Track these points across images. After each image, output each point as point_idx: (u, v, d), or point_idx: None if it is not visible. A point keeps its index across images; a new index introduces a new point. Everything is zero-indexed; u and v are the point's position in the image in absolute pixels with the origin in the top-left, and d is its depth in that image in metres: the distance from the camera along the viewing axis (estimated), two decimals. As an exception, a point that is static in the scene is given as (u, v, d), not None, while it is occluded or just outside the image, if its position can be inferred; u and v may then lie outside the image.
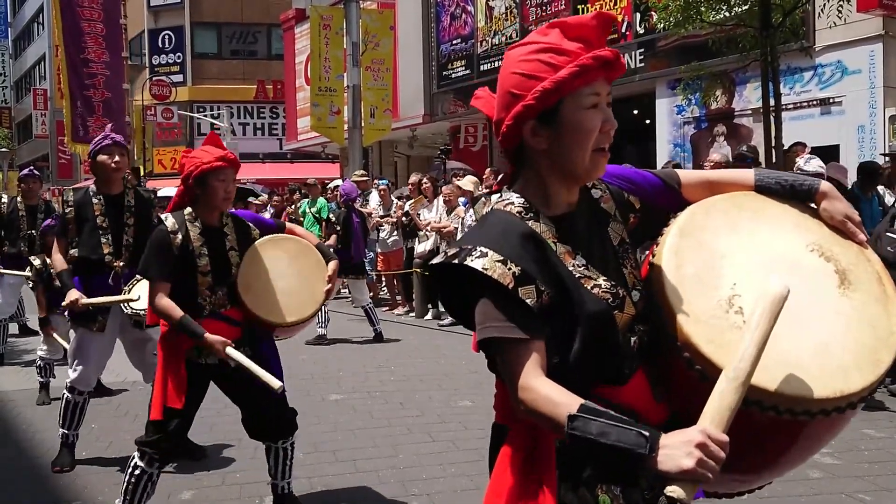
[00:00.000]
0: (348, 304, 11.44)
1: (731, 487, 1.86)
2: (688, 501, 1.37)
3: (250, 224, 3.92)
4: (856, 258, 1.76)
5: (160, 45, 35.49)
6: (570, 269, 1.65)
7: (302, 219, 13.72)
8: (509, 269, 1.57)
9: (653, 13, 11.59)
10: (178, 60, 35.10)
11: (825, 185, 1.85)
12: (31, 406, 6.39)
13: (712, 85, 9.97)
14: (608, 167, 1.75)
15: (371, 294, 12.93)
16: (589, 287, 1.65)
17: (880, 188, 8.30)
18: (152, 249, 3.63)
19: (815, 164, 5.84)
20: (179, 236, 3.62)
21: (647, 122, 14.81)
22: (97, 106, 14.38)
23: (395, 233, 11.92)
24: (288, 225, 4.26)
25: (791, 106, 11.58)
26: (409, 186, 12.32)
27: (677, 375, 1.67)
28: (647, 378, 1.72)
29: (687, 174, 1.93)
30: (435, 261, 1.67)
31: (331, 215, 10.15)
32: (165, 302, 3.55)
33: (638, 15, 14.37)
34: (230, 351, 3.55)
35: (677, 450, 1.38)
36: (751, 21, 8.17)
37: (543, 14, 16.54)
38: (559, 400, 1.50)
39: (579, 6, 15.55)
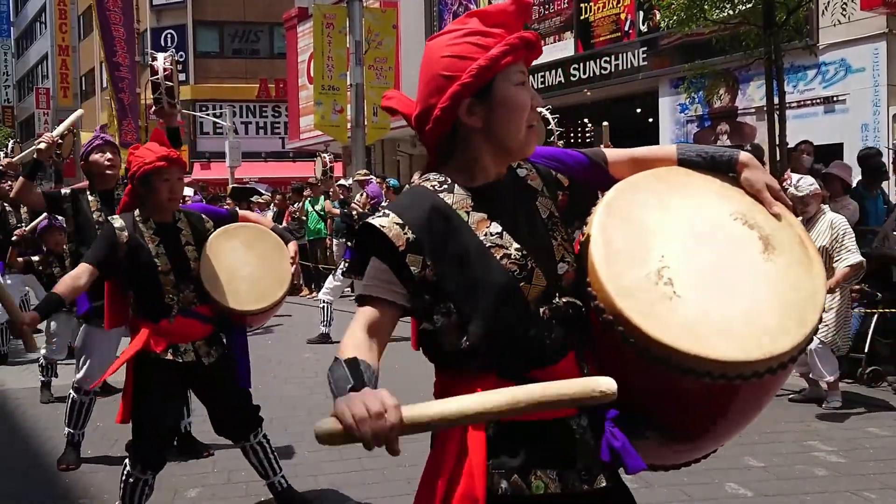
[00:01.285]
0: (349, 303, 11.45)
1: (674, 458, 1.89)
2: (327, 441, 1.40)
3: (203, 216, 3.92)
4: (778, 224, 1.80)
5: (163, 44, 35.46)
6: (482, 237, 1.70)
7: (305, 217, 13.74)
8: (405, 233, 1.65)
9: (656, 11, 11.59)
10: (181, 59, 35.09)
11: (744, 156, 1.90)
12: (36, 404, 6.40)
13: (715, 83, 9.96)
14: (536, 148, 1.81)
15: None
16: (498, 256, 1.69)
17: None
18: (96, 239, 3.68)
19: (806, 185, 5.84)
20: (125, 234, 3.60)
21: (650, 120, 14.80)
22: (127, 109, 14.48)
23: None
24: (241, 212, 4.28)
25: (795, 104, 11.57)
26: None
27: (611, 351, 1.69)
28: (577, 360, 1.74)
29: (613, 152, 1.96)
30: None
31: (355, 209, 10.12)
32: (75, 276, 3.48)
33: (641, 13, 14.36)
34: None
35: (353, 399, 1.38)
36: (754, 19, 8.16)
37: (546, 12, 16.53)
38: (345, 344, 1.57)
39: (582, 4, 15.55)
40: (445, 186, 1.74)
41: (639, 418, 1.70)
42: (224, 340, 3.91)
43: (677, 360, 1.58)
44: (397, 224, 1.65)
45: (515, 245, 1.70)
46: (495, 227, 1.71)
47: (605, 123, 7.50)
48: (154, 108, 4.81)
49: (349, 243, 9.85)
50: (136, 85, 15.48)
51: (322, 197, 13.04)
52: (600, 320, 1.66)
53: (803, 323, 1.66)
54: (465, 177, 1.75)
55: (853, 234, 5.78)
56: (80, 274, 3.49)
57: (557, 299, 1.72)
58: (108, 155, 4.80)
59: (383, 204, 1.79)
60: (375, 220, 1.68)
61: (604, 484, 1.70)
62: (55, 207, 4.89)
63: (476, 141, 1.73)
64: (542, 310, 1.70)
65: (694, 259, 1.71)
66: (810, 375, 5.90)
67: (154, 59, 4.86)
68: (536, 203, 1.80)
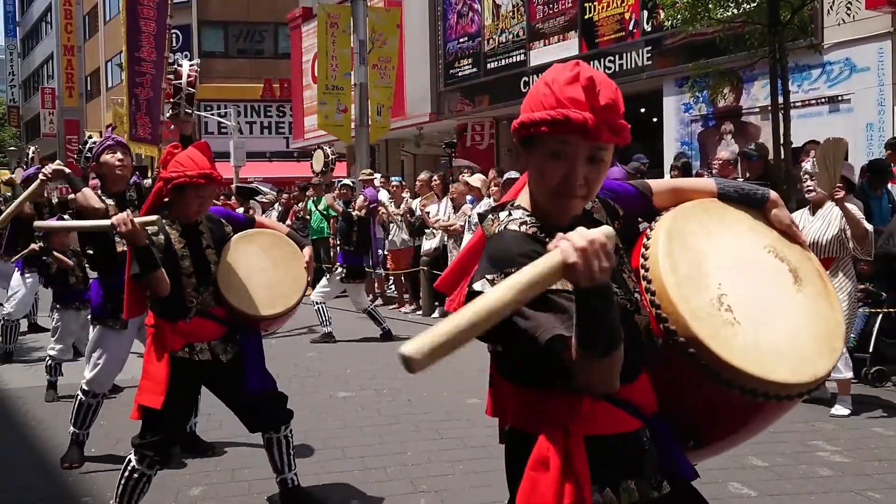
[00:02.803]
0: (348, 302, 11.46)
1: (702, 458, 2.05)
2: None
3: (223, 220, 3.94)
4: (801, 258, 2.00)
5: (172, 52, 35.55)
6: None
7: (309, 217, 13.75)
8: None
9: (660, 10, 11.57)
10: (197, 59, 35.15)
11: (773, 195, 2.07)
12: (41, 403, 6.42)
13: (720, 83, 9.92)
14: None
15: (378, 291, 12.99)
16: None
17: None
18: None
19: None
20: (161, 237, 3.62)
21: (655, 120, 14.77)
22: (143, 104, 14.45)
23: (404, 232, 11.95)
24: (258, 219, 4.29)
25: (799, 103, 11.52)
26: (418, 183, 12.32)
27: (676, 371, 1.79)
28: (648, 375, 1.83)
29: (657, 183, 2.09)
30: (479, 289, 1.66)
31: (354, 211, 10.15)
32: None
33: (645, 12, 14.33)
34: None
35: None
36: (759, 18, 8.14)
37: (551, 12, 16.51)
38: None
39: (586, 4, 15.53)
40: (543, 233, 1.73)
41: (683, 431, 1.87)
42: (239, 341, 3.91)
43: (741, 381, 1.72)
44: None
45: (615, 283, 1.74)
46: None
47: None
48: (170, 112, 4.81)
49: (345, 247, 9.83)
50: (163, 80, 15.54)
51: (322, 197, 13.06)
52: (670, 342, 1.76)
53: (834, 350, 1.85)
54: (546, 210, 1.77)
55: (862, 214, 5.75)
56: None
57: (636, 321, 1.81)
58: (119, 155, 4.78)
59: (480, 265, 1.75)
60: (478, 287, 1.67)
61: (668, 489, 1.82)
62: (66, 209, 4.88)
63: (531, 176, 1.80)
64: (643, 335, 1.80)
65: (742, 287, 1.85)
66: None
67: (180, 64, 4.88)
68: None
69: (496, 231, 1.78)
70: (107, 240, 4.68)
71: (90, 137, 5.84)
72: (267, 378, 3.95)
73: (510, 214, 1.80)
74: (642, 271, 1.86)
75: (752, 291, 1.86)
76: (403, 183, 14.05)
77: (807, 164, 6.18)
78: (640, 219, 2.01)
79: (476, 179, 10.81)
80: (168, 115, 4.85)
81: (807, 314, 1.88)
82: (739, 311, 1.79)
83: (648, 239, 1.90)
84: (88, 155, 5.01)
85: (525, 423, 1.79)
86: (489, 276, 1.66)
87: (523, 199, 1.83)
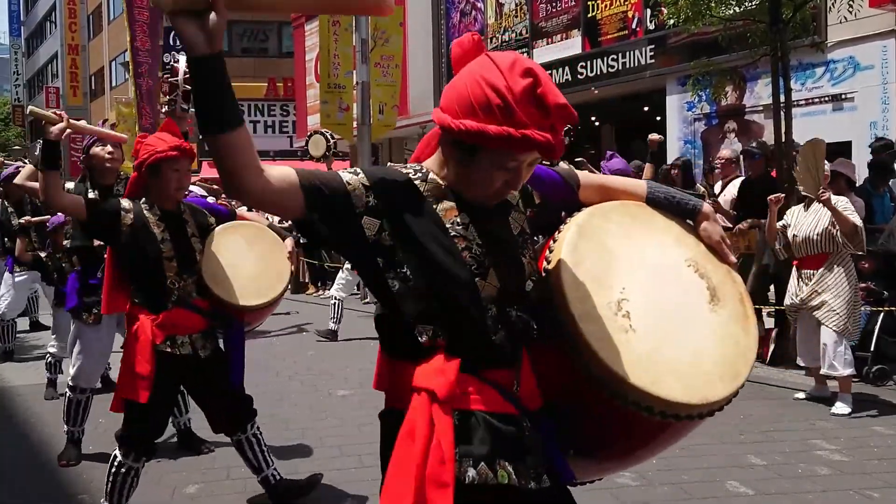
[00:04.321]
0: (357, 301, 11.45)
1: (592, 475, 1.97)
2: None
3: (205, 211, 3.96)
4: (724, 277, 1.92)
5: (171, 43, 35.55)
6: (448, 225, 1.72)
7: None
8: (367, 197, 1.67)
9: (663, 9, 11.53)
10: (190, 58, 35.19)
11: (706, 207, 2.01)
12: (40, 401, 6.42)
13: (722, 81, 9.89)
14: None
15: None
16: (460, 247, 1.70)
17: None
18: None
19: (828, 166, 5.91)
20: (130, 216, 3.62)
21: (658, 118, 14.74)
22: (144, 94, 14.44)
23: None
24: (238, 211, 4.29)
25: (803, 102, 11.49)
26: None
27: (562, 368, 1.76)
28: (531, 370, 1.80)
29: (586, 177, 2.02)
30: None
31: None
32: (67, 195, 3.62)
33: (648, 11, 14.31)
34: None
35: None
36: (761, 16, 8.10)
37: (554, 10, 16.49)
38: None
39: (590, 2, 15.50)
40: (420, 175, 1.76)
41: (566, 436, 1.82)
42: (219, 335, 3.92)
43: (625, 391, 1.68)
44: (363, 185, 1.68)
45: (478, 241, 1.73)
46: (464, 218, 1.73)
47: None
48: (166, 108, 4.81)
49: None
50: (159, 69, 15.50)
51: None
52: (559, 336, 1.72)
53: (737, 376, 1.78)
54: (451, 181, 1.76)
55: (855, 212, 5.74)
56: (75, 199, 3.61)
57: (512, 310, 1.75)
58: (109, 148, 4.81)
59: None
60: (344, 175, 1.69)
61: (547, 484, 1.75)
62: None
63: (452, 164, 1.75)
64: (492, 310, 1.73)
65: (650, 296, 1.80)
66: (822, 371, 5.82)
67: (177, 60, 4.86)
68: (510, 217, 1.83)
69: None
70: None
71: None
72: (242, 375, 3.95)
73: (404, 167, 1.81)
74: (545, 263, 1.81)
75: (661, 303, 1.80)
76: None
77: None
78: (563, 212, 1.96)
79: None
80: (164, 111, 4.84)
81: (716, 335, 1.81)
82: (639, 319, 1.74)
83: (559, 232, 1.86)
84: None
85: (398, 399, 1.75)
86: (352, 169, 1.74)
87: (429, 163, 1.80)
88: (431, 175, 1.77)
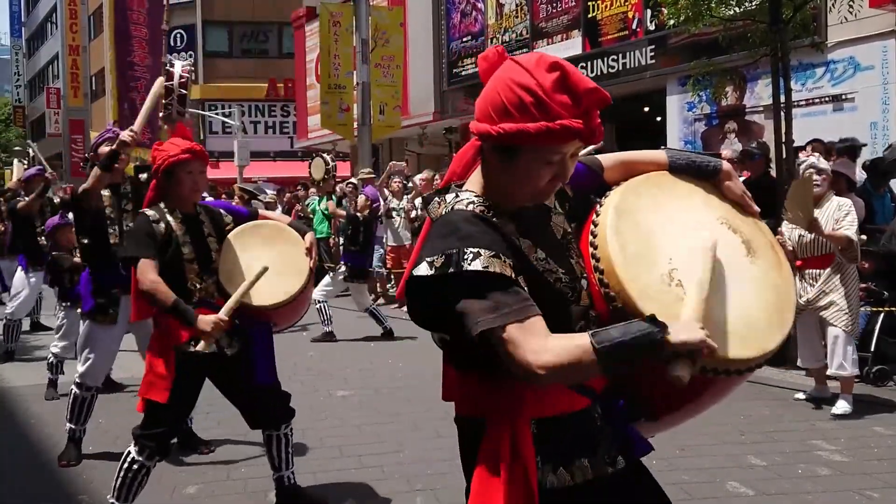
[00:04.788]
0: (350, 301, 11.44)
1: (655, 432, 2.01)
2: (686, 381, 1.56)
3: (222, 211, 3.98)
4: (753, 229, 1.98)
5: (172, 44, 35.56)
6: (534, 263, 1.73)
7: (312, 216, 13.76)
8: (504, 261, 1.62)
9: (663, 9, 11.53)
10: (190, 59, 35.19)
11: (726, 165, 2.04)
12: (40, 401, 6.42)
13: (722, 81, 9.89)
14: None
15: (380, 290, 12.98)
16: (551, 281, 1.73)
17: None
18: (133, 233, 3.70)
19: (825, 163, 5.84)
20: (162, 225, 3.66)
21: (658, 119, 14.73)
22: (138, 108, 14.53)
23: (407, 229, 11.96)
24: (261, 212, 4.28)
25: (803, 102, 11.48)
26: (421, 182, 12.30)
27: None
28: None
29: (606, 158, 2.04)
30: (420, 273, 1.65)
31: (348, 207, 10.21)
32: (155, 278, 3.52)
33: (649, 11, 14.30)
34: (222, 315, 3.56)
35: (685, 326, 1.57)
36: (761, 17, 8.10)
37: (554, 11, 16.49)
38: (572, 340, 1.57)
39: (590, 2, 15.50)
40: (492, 213, 1.73)
41: (636, 406, 1.85)
42: (246, 335, 3.90)
43: None
44: (493, 258, 1.61)
45: (561, 270, 1.76)
46: (541, 254, 1.75)
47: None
48: (163, 112, 4.81)
49: (351, 248, 9.85)
50: None
51: (325, 197, 13.03)
52: (621, 318, 1.71)
53: (784, 323, 1.84)
54: (499, 197, 1.75)
55: (854, 216, 5.75)
56: (148, 272, 3.54)
57: (592, 312, 1.80)
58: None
59: (424, 243, 1.70)
60: (474, 266, 1.60)
61: (623, 464, 1.81)
62: (71, 205, 4.90)
63: (496, 172, 1.75)
64: (580, 325, 1.77)
65: (692, 260, 1.80)
66: (830, 371, 5.81)
67: (172, 64, 4.87)
68: (551, 223, 1.85)
69: (442, 213, 1.74)
70: (101, 231, 4.70)
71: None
72: (274, 373, 3.96)
73: (457, 196, 1.76)
74: (591, 249, 1.83)
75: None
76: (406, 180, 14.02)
77: (811, 158, 6.18)
78: (592, 196, 1.97)
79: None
80: (161, 115, 4.84)
81: (759, 286, 1.86)
82: (690, 284, 1.76)
83: (597, 216, 1.87)
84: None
85: (472, 409, 1.80)
86: (429, 259, 1.63)
87: (473, 184, 1.79)
88: (498, 210, 1.74)
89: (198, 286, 3.70)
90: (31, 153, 11.39)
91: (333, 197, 12.39)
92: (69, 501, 4.33)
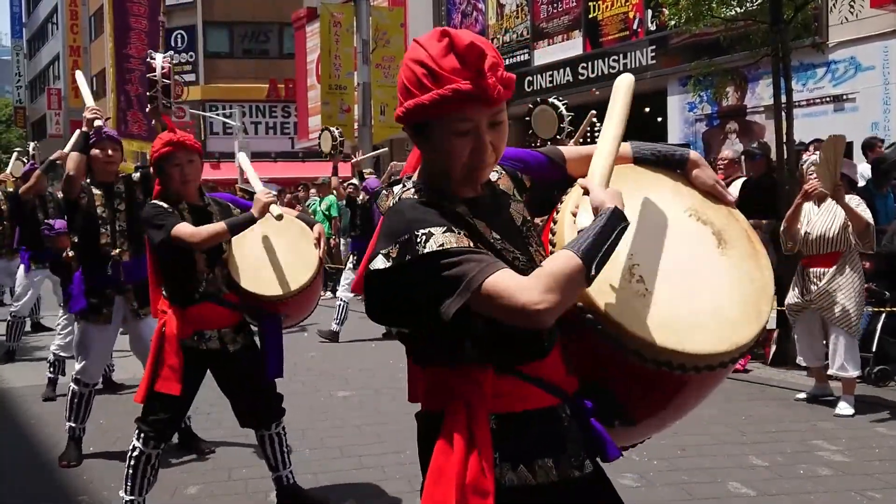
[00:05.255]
0: (359, 302, 11.44)
1: (635, 439, 1.98)
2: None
3: (230, 205, 3.98)
4: (726, 219, 1.93)
5: (172, 45, 35.59)
6: (491, 241, 1.70)
7: (313, 216, 13.77)
8: (459, 233, 1.59)
9: (664, 10, 11.53)
10: (191, 60, 35.17)
11: (694, 154, 2.00)
12: (40, 402, 6.41)
13: (723, 82, 9.89)
14: None
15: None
16: (509, 259, 1.69)
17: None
18: (152, 214, 3.63)
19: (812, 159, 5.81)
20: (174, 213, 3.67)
21: (659, 119, 14.74)
22: (134, 101, 14.45)
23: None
24: None
25: (804, 102, 11.49)
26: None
27: (591, 347, 1.74)
28: (561, 352, 1.77)
29: (570, 150, 2.01)
30: (377, 266, 1.62)
31: (357, 199, 10.27)
32: (195, 229, 3.55)
33: (650, 12, 14.31)
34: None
35: (608, 196, 1.65)
36: (762, 17, 8.09)
37: (555, 11, 16.49)
38: (550, 263, 1.55)
39: (591, 3, 15.51)
40: (441, 199, 1.69)
41: (607, 410, 1.79)
42: (255, 331, 3.95)
43: (653, 354, 1.67)
44: (447, 233, 1.58)
45: (517, 251, 1.72)
46: (496, 235, 1.71)
47: (594, 112, 7.31)
48: (149, 105, 4.81)
49: (352, 233, 9.97)
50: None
51: (329, 197, 13.06)
52: (580, 318, 1.70)
53: (760, 315, 1.79)
54: (448, 184, 1.70)
55: (867, 208, 5.71)
56: (187, 228, 3.57)
57: None
58: (109, 151, 4.85)
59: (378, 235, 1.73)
60: (430, 247, 1.55)
61: (590, 469, 1.76)
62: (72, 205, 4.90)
63: (424, 156, 1.72)
64: None
65: (658, 254, 1.80)
66: (831, 372, 5.80)
67: (153, 57, 4.89)
68: (511, 210, 1.81)
69: (390, 205, 1.72)
70: (94, 231, 4.71)
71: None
72: (282, 369, 3.97)
73: (403, 186, 1.74)
74: (549, 247, 1.80)
75: (670, 259, 1.80)
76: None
77: (813, 157, 6.17)
78: (555, 191, 1.92)
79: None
80: (148, 109, 4.85)
81: (732, 278, 1.82)
82: (653, 280, 1.74)
83: (557, 212, 1.84)
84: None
85: (433, 402, 1.76)
86: (384, 251, 1.61)
87: (418, 174, 1.76)
88: (452, 196, 1.70)
89: (206, 276, 3.71)
90: (32, 152, 11.35)
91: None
92: (69, 501, 4.32)
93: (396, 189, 1.75)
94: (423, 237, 1.56)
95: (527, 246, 1.77)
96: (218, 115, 30.18)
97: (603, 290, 1.68)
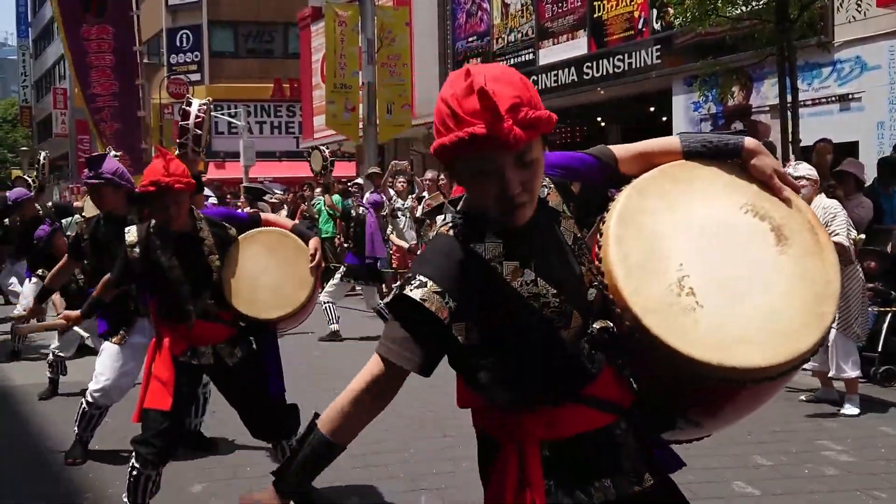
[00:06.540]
0: (359, 301, 11.44)
1: (703, 434, 2.01)
2: None
3: (225, 223, 3.83)
4: (787, 211, 1.77)
5: (178, 44, 35.65)
6: (517, 288, 1.65)
7: (317, 215, 13.77)
8: (446, 303, 1.59)
9: (669, 9, 11.51)
10: (196, 59, 35.24)
11: (750, 142, 1.84)
12: (44, 401, 6.43)
13: (729, 81, 9.87)
14: (547, 156, 1.72)
15: (387, 290, 12.97)
16: (537, 306, 1.65)
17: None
18: (117, 261, 3.79)
19: (804, 168, 5.74)
20: (136, 251, 3.61)
21: (664, 119, 14.71)
22: (109, 139, 14.40)
23: (411, 226, 11.96)
24: (263, 216, 4.22)
25: (810, 102, 11.45)
26: (426, 183, 12.28)
27: (643, 362, 1.71)
28: (615, 368, 1.75)
29: (620, 149, 1.91)
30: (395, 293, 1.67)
31: (351, 210, 10.24)
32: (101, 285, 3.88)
33: (655, 11, 14.28)
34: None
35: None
36: (768, 16, 8.09)
37: (559, 11, 16.47)
38: (334, 408, 1.86)
39: (595, 2, 15.48)
40: (476, 235, 1.66)
41: (671, 412, 1.79)
42: (252, 343, 3.90)
43: (703, 370, 1.60)
44: (436, 293, 1.59)
45: (552, 291, 1.66)
46: (529, 275, 1.66)
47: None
48: (178, 152, 4.78)
49: (345, 244, 9.91)
50: (139, 107, 15.40)
51: (322, 198, 13.09)
52: (629, 335, 1.67)
53: (822, 318, 1.66)
54: (481, 212, 1.66)
55: (844, 219, 5.64)
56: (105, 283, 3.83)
57: (592, 328, 1.70)
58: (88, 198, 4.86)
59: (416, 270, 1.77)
60: (414, 293, 1.59)
61: (651, 482, 1.74)
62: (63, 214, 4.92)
63: (464, 188, 1.71)
64: (580, 343, 1.70)
65: (710, 261, 1.69)
66: (829, 375, 5.79)
67: (189, 103, 4.85)
68: (561, 228, 1.75)
69: (430, 237, 1.72)
70: (106, 257, 4.67)
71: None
72: (283, 384, 3.94)
73: (445, 218, 1.72)
74: (597, 262, 1.73)
75: (723, 266, 1.69)
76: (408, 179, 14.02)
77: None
78: (610, 191, 1.86)
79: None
80: (176, 153, 4.76)
81: (790, 279, 1.68)
82: (704, 291, 1.65)
83: (603, 223, 1.75)
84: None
85: (484, 424, 1.80)
86: (414, 281, 1.62)
87: (463, 201, 1.74)
88: (487, 231, 1.67)
89: (193, 308, 3.64)
90: (42, 161, 11.35)
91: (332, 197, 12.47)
92: (71, 501, 4.33)
93: (439, 220, 1.76)
94: (417, 283, 1.61)
95: (578, 266, 1.73)
96: (223, 114, 30.21)
97: (651, 308, 1.63)
